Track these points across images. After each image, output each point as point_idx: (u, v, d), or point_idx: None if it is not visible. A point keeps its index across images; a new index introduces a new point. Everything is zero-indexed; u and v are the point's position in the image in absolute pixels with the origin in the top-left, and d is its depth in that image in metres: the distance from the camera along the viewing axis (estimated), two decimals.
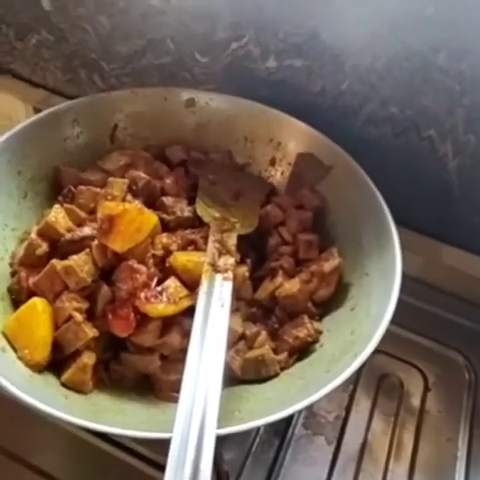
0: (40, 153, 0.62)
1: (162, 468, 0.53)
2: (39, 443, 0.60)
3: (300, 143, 0.66)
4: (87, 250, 0.53)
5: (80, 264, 0.51)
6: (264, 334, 0.55)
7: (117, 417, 0.47)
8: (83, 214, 0.57)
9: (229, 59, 0.73)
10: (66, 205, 0.57)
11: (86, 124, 0.65)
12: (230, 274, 0.53)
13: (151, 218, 0.55)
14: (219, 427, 0.42)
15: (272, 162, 0.69)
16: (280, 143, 0.68)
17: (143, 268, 0.53)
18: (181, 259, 0.54)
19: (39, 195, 0.62)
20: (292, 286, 0.55)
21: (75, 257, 0.52)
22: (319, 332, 0.55)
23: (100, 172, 0.63)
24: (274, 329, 0.56)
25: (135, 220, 0.54)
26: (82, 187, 0.60)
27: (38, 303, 0.51)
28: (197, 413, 0.42)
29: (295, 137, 0.66)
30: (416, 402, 0.64)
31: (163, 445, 0.55)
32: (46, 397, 0.45)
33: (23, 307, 0.51)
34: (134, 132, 0.68)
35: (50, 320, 0.51)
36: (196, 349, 0.46)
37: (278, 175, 0.68)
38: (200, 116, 0.69)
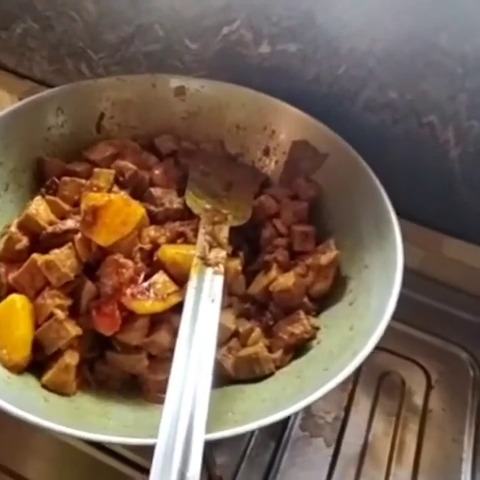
0: (22, 143, 0.59)
1: (142, 469, 0.52)
2: (23, 450, 0.57)
3: (294, 131, 0.63)
4: (70, 244, 0.50)
5: (62, 259, 0.48)
6: (258, 331, 0.52)
7: (101, 421, 0.44)
8: (67, 206, 0.55)
9: (220, 45, 0.70)
10: (48, 197, 0.54)
11: (71, 112, 0.62)
12: (221, 268, 0.50)
13: (138, 210, 0.53)
14: (211, 430, 0.39)
15: (266, 151, 0.66)
16: (274, 131, 0.65)
17: (129, 262, 0.50)
18: (169, 252, 0.52)
19: (22, 187, 0.59)
20: (287, 280, 0.52)
21: (57, 251, 0.49)
22: (316, 328, 0.52)
23: (86, 163, 0.61)
24: (268, 326, 0.53)
25: (121, 212, 0.51)
26: (66, 178, 0.57)
27: (17, 300, 0.48)
28: (184, 417, 0.39)
29: (289, 124, 0.64)
30: (419, 401, 0.61)
31: (153, 450, 0.53)
32: (25, 400, 0.43)
33: (1, 304, 0.48)
34: (121, 121, 0.65)
35: (30, 318, 0.48)
36: (184, 347, 0.43)
37: (272, 165, 0.65)
38: (190, 104, 0.66)
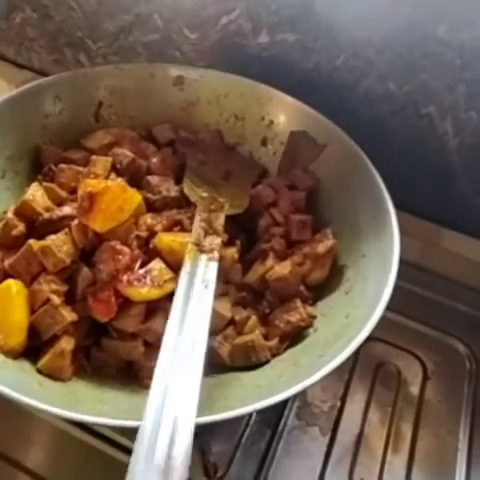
0: (19, 130, 0.59)
1: None
2: (21, 437, 0.57)
3: (292, 121, 0.63)
4: (66, 230, 0.50)
5: (58, 244, 0.48)
6: (254, 319, 0.52)
7: (96, 406, 0.44)
8: (64, 193, 0.55)
9: (219, 35, 0.70)
10: (46, 184, 0.54)
11: (69, 101, 0.62)
12: (216, 254, 0.50)
13: (135, 196, 0.52)
14: (204, 415, 0.39)
15: (264, 141, 0.65)
16: (272, 121, 0.65)
17: (126, 249, 0.50)
18: (166, 240, 0.51)
19: (19, 175, 0.59)
20: (283, 268, 0.52)
21: (53, 237, 0.49)
22: (312, 317, 0.52)
23: (83, 151, 0.60)
24: (265, 314, 0.53)
25: (117, 198, 0.51)
26: (63, 165, 0.57)
27: (13, 285, 0.48)
28: (172, 399, 0.38)
29: (287, 114, 0.63)
30: (415, 391, 0.61)
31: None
32: (19, 384, 0.42)
33: None
34: (119, 110, 0.65)
35: (26, 303, 0.48)
36: (174, 331, 0.43)
37: (270, 155, 0.65)
38: (189, 93, 0.66)
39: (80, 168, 0.57)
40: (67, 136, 0.62)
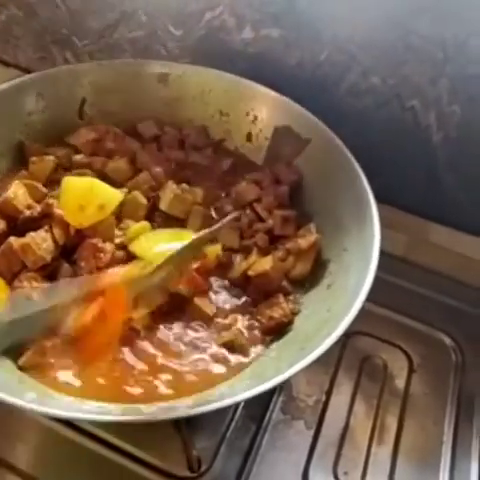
0: (2, 128, 0.59)
1: (136, 459, 0.52)
2: (9, 436, 0.57)
3: (277, 116, 0.63)
4: (46, 227, 0.50)
5: (38, 242, 0.48)
6: (236, 316, 0.52)
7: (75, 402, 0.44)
8: (45, 190, 0.54)
9: (203, 31, 0.70)
10: (26, 181, 0.54)
11: (52, 98, 0.62)
12: None
13: (115, 195, 0.53)
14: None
15: (248, 137, 0.66)
16: (256, 117, 0.65)
17: (107, 247, 0.50)
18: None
19: (0, 173, 0.59)
20: (264, 263, 0.52)
21: (33, 234, 0.49)
22: (295, 313, 0.52)
23: (66, 147, 0.60)
24: (247, 310, 0.53)
25: (98, 196, 0.51)
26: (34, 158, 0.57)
27: None
28: None
29: (271, 110, 0.64)
30: (400, 384, 0.61)
31: (136, 434, 0.53)
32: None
33: None
34: (103, 107, 0.65)
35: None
36: None
37: (255, 150, 0.65)
38: (173, 89, 0.66)
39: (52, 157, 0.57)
40: (50, 133, 0.63)
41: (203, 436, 0.53)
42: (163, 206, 0.56)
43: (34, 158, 0.57)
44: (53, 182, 0.57)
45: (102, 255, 0.49)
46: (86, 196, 0.50)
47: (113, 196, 0.52)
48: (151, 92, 0.66)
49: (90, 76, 0.63)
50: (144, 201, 0.55)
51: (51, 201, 0.52)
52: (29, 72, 0.84)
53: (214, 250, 0.54)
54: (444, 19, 0.58)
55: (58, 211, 0.51)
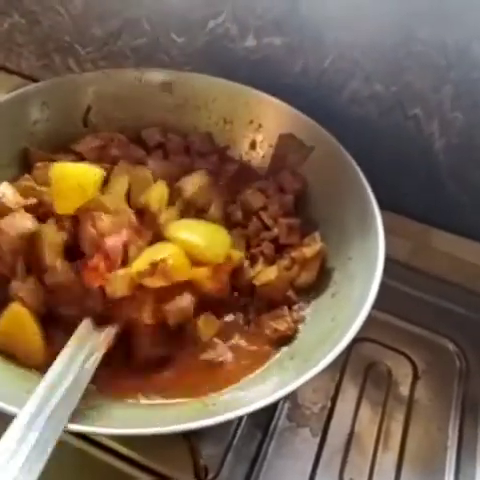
0: (7, 137, 0.59)
1: (142, 466, 0.52)
2: None
3: (281, 124, 0.64)
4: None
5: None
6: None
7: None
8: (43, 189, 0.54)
9: (207, 38, 0.70)
10: (23, 182, 0.55)
11: (56, 107, 0.62)
12: None
13: (90, 171, 0.51)
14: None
15: (253, 145, 0.66)
16: (260, 125, 0.65)
17: (108, 216, 0.50)
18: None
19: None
20: (269, 273, 0.53)
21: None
22: (299, 321, 0.53)
23: (72, 154, 0.61)
24: (251, 320, 0.53)
25: (74, 176, 0.50)
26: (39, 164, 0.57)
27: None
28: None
29: (275, 118, 0.64)
30: (405, 391, 0.61)
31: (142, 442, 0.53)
32: None
33: None
34: (108, 114, 0.65)
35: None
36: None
37: (259, 158, 0.66)
38: (177, 97, 0.66)
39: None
40: (55, 141, 0.63)
41: (210, 444, 0.53)
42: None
43: (39, 164, 0.57)
44: None
45: (101, 220, 0.49)
46: (63, 180, 0.50)
47: (88, 172, 0.51)
48: (155, 100, 0.66)
49: (95, 85, 0.64)
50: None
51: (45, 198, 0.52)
52: (32, 80, 0.85)
53: (238, 254, 0.54)
54: (446, 25, 0.58)
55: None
